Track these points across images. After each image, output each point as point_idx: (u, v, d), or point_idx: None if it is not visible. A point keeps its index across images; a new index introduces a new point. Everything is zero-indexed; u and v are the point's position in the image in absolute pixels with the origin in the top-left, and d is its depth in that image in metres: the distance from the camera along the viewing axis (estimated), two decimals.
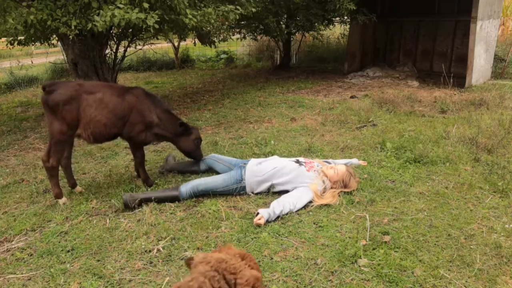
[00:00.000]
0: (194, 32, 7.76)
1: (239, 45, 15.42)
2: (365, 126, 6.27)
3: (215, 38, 9.08)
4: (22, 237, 3.44)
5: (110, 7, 4.97)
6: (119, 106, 4.02)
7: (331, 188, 3.96)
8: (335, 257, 2.96)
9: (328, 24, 11.60)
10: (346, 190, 3.97)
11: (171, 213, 3.76)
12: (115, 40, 8.04)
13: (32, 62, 12.91)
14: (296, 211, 3.68)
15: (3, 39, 6.89)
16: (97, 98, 3.94)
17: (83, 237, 3.39)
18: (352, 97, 8.58)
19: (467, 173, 4.41)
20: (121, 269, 2.95)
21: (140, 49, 10.55)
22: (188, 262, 1.88)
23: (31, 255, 3.17)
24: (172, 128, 4.30)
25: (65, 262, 3.05)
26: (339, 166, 4.09)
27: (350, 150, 5.23)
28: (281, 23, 11.03)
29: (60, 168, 4.07)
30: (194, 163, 4.67)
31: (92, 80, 6.83)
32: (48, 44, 8.14)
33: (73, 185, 4.31)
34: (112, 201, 4.00)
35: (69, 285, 2.79)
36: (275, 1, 9.88)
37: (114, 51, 7.96)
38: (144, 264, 3.00)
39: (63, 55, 10.56)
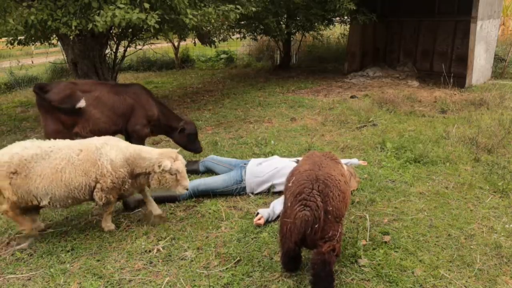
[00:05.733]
0: (194, 32, 7.75)
1: (239, 45, 15.41)
2: (365, 126, 6.27)
3: (215, 38, 9.07)
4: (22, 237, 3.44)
5: (110, 7, 4.96)
6: (118, 103, 4.08)
7: None
8: None
9: (328, 24, 11.59)
10: None
11: (171, 213, 3.76)
12: (115, 40, 8.04)
13: (32, 62, 12.90)
14: None
15: (3, 39, 6.88)
16: (94, 97, 3.99)
17: (83, 237, 3.39)
18: (352, 97, 8.58)
19: (467, 173, 4.41)
20: (121, 269, 2.95)
21: (140, 49, 10.54)
22: None
23: (31, 255, 3.17)
24: (166, 122, 4.40)
25: (65, 262, 3.05)
26: None
27: (350, 150, 5.23)
28: (281, 23, 11.02)
29: None
30: (194, 163, 4.67)
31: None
32: (48, 44, 8.13)
33: None
34: None
35: (69, 285, 2.79)
36: (275, 1, 9.87)
37: (114, 51, 7.96)
38: (144, 264, 3.00)
39: (63, 55, 10.55)
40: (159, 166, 3.22)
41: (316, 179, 2.54)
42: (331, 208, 2.47)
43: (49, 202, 3.12)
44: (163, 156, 3.27)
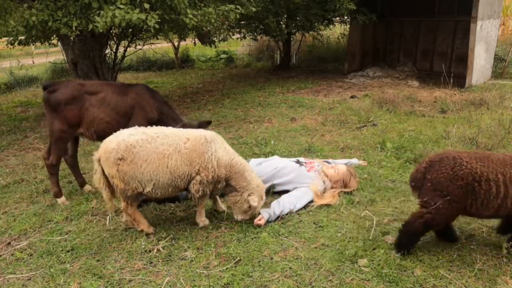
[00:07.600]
0: (194, 32, 7.75)
1: (239, 45, 15.41)
2: (365, 126, 6.27)
3: (215, 38, 9.07)
4: (22, 237, 3.44)
5: (110, 7, 4.96)
6: (120, 103, 4.07)
7: (332, 188, 3.96)
8: (335, 257, 2.96)
9: (328, 24, 11.59)
10: (346, 190, 3.97)
11: (171, 213, 3.77)
12: (115, 40, 8.04)
13: (33, 62, 12.88)
14: (296, 211, 3.68)
15: (4, 39, 6.88)
16: (99, 98, 4.00)
17: (83, 237, 3.39)
18: (352, 97, 8.58)
19: None
20: (121, 269, 2.95)
21: (140, 49, 10.54)
22: None
23: (31, 255, 3.17)
24: (171, 123, 4.35)
25: (65, 262, 3.05)
26: (339, 166, 4.09)
27: (350, 150, 5.23)
28: (281, 23, 11.02)
29: (64, 167, 4.09)
30: None
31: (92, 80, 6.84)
32: (48, 44, 8.14)
33: (81, 184, 4.32)
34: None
35: (69, 285, 2.79)
36: (275, 1, 9.87)
37: (114, 51, 7.96)
38: (144, 264, 3.00)
39: (63, 55, 10.55)
40: (248, 195, 3.31)
41: (440, 154, 2.95)
42: (429, 176, 2.82)
43: (151, 189, 3.15)
44: (257, 190, 3.36)
